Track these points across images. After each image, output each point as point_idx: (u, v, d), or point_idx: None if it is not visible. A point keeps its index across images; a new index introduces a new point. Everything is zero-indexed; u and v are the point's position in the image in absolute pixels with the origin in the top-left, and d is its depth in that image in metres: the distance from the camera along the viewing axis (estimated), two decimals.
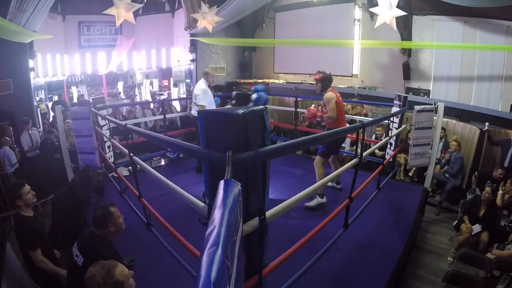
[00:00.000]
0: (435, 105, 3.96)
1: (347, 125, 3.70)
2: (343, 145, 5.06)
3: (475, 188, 4.53)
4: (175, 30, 10.26)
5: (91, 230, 1.94)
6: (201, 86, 4.55)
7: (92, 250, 1.80)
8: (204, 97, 4.47)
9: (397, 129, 4.09)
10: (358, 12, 7.39)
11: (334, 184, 3.99)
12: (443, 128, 4.94)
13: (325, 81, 3.55)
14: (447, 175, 4.92)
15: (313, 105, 3.79)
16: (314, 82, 3.67)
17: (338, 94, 3.58)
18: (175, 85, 11.21)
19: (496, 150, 4.91)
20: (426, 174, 4.23)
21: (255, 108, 1.25)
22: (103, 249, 1.81)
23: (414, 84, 6.68)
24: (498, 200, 3.67)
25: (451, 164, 4.86)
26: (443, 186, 4.98)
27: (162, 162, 5.26)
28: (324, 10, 7.83)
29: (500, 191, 3.68)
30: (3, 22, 4.70)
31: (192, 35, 8.19)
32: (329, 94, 3.48)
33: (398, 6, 5.15)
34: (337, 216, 2.17)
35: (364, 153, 2.33)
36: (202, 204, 1.50)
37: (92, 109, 3.87)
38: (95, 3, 8.66)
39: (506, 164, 4.42)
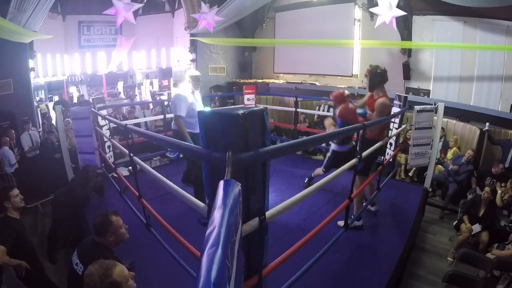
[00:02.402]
0: (435, 105, 3.97)
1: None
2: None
3: (475, 188, 4.53)
4: (175, 30, 10.26)
5: (92, 237, 1.90)
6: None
7: (91, 258, 1.76)
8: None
9: (397, 129, 4.09)
10: (358, 12, 7.39)
11: (369, 206, 3.37)
12: (442, 128, 4.93)
13: (373, 76, 2.94)
14: (450, 178, 4.87)
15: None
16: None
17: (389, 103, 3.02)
18: (175, 85, 11.19)
19: (496, 150, 4.91)
20: (426, 174, 4.23)
21: (255, 108, 1.25)
22: (102, 258, 1.78)
23: (414, 84, 6.69)
24: (498, 200, 3.66)
25: (460, 171, 4.75)
26: (444, 189, 4.95)
27: (159, 163, 5.25)
28: (324, 10, 7.84)
29: (499, 190, 3.68)
30: (3, 22, 4.70)
31: (192, 35, 8.19)
32: (382, 100, 2.88)
33: (398, 6, 5.16)
34: (337, 216, 2.17)
35: (364, 153, 2.33)
36: (202, 204, 1.50)
37: (92, 109, 3.88)
38: (95, 3, 8.65)
39: (507, 165, 4.42)
